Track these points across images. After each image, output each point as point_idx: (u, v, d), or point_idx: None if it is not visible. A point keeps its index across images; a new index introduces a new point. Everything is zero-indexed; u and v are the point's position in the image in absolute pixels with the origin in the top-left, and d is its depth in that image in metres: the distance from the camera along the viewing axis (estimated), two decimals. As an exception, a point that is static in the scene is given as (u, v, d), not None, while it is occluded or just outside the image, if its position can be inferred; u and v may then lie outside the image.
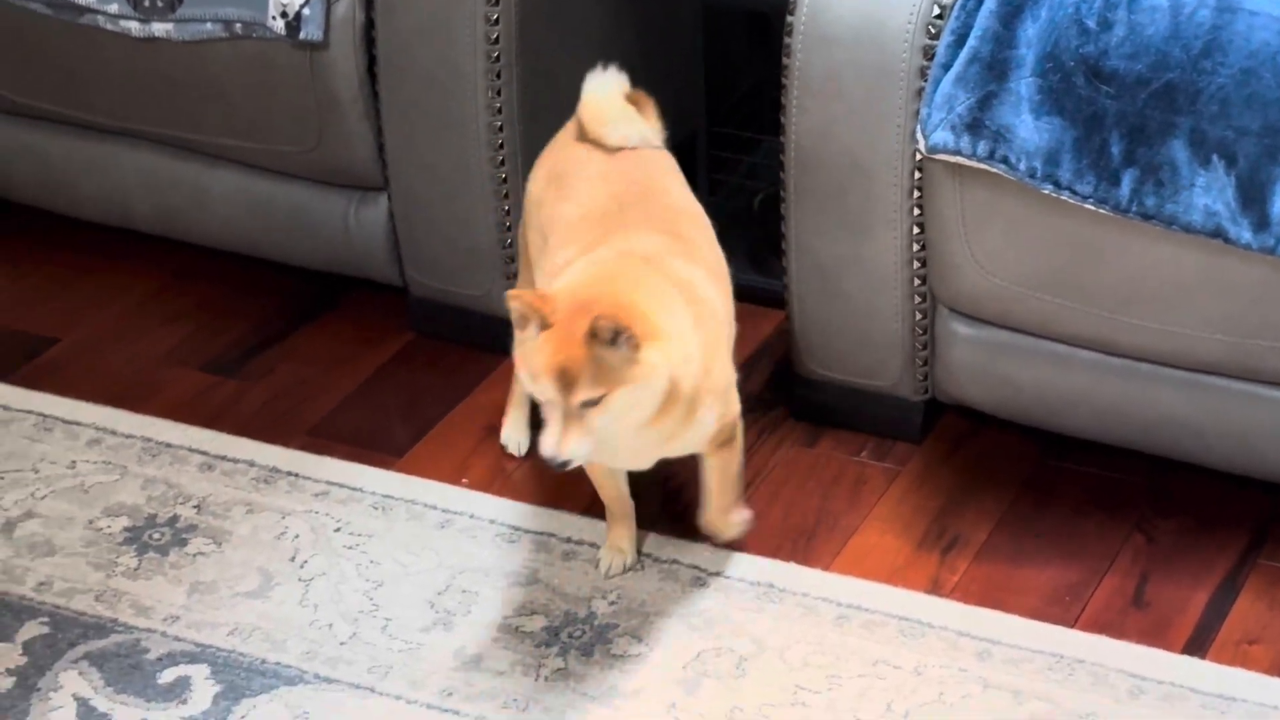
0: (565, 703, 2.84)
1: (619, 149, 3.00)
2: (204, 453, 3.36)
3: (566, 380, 2.61)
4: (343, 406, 3.50)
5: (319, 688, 2.88)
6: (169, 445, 3.38)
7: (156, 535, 3.18)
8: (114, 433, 3.41)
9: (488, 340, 3.55)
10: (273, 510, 3.23)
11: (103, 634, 2.98)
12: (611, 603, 3.00)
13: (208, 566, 3.11)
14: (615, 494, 3.03)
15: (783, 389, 3.44)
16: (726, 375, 2.89)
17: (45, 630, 2.98)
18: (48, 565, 3.11)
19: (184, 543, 3.16)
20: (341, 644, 2.95)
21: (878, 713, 2.81)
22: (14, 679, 2.90)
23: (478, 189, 3.47)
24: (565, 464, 2.65)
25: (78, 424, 3.44)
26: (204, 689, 2.88)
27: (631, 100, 3.05)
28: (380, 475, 3.29)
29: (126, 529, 3.19)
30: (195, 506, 3.24)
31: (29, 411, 3.47)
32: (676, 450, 2.89)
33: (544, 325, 2.63)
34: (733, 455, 2.96)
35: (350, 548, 3.15)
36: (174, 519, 3.21)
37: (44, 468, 3.33)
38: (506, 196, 3.46)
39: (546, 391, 2.63)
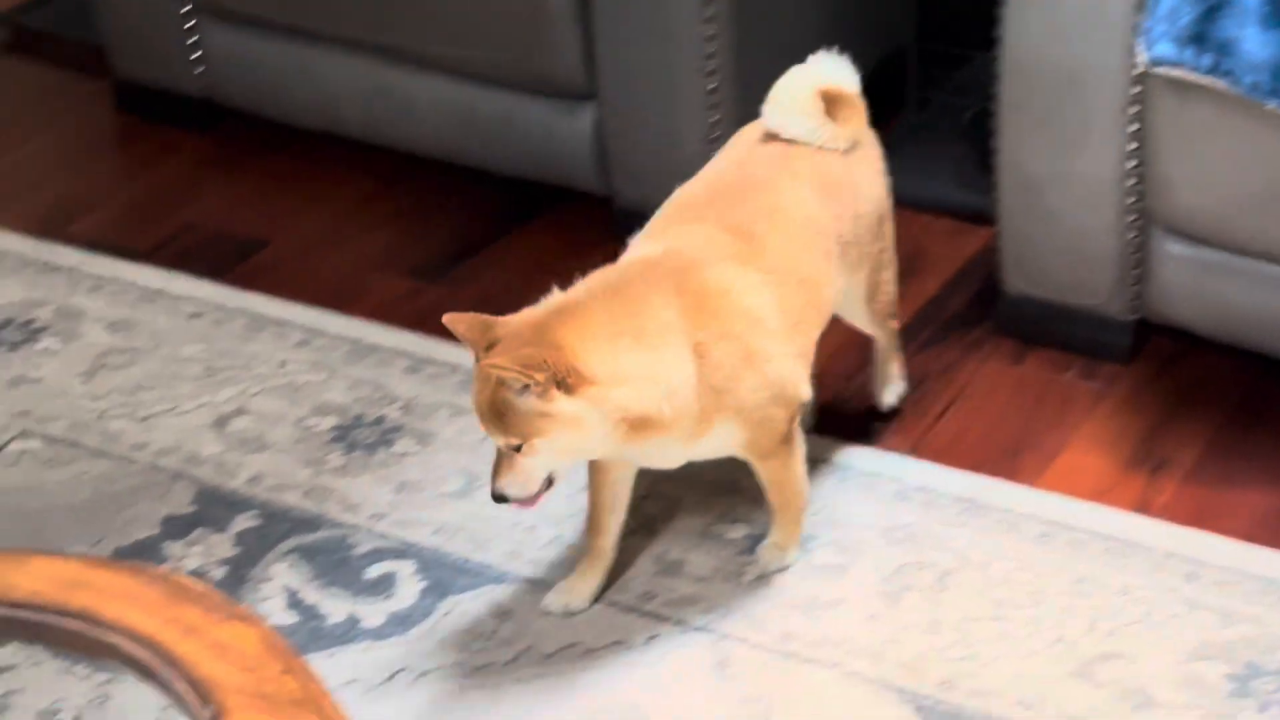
0: (765, 610, 2.85)
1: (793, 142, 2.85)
2: (410, 355, 3.40)
3: (490, 421, 2.52)
4: (547, 314, 3.52)
5: (523, 587, 2.90)
6: (376, 348, 3.42)
7: (363, 435, 3.22)
8: (322, 334, 3.46)
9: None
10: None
11: (311, 528, 3.03)
12: (813, 514, 2.99)
13: (413, 466, 3.15)
14: (599, 503, 2.82)
15: (989, 306, 3.41)
16: (758, 393, 2.65)
17: (256, 523, 3.04)
18: (259, 460, 3.17)
19: (390, 443, 3.20)
20: (544, 545, 2.98)
21: (1081, 630, 2.79)
22: (226, 568, 2.95)
23: (686, 100, 3.46)
24: (506, 500, 2.56)
25: (287, 325, 3.49)
26: (410, 584, 2.92)
27: (831, 97, 2.85)
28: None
29: (334, 428, 3.24)
30: (401, 408, 3.28)
31: (241, 311, 3.53)
32: (704, 455, 2.75)
33: (477, 357, 2.52)
34: (781, 470, 2.77)
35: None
36: (380, 419, 3.25)
37: (255, 366, 3.39)
38: (715, 108, 3.45)
39: (482, 427, 2.55)
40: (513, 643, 2.82)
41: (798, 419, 2.77)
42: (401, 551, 2.98)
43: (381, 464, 3.16)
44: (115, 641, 1.84)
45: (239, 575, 2.94)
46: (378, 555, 2.97)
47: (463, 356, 3.38)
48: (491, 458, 2.60)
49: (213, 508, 3.07)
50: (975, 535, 2.96)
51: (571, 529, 2.99)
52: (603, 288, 2.61)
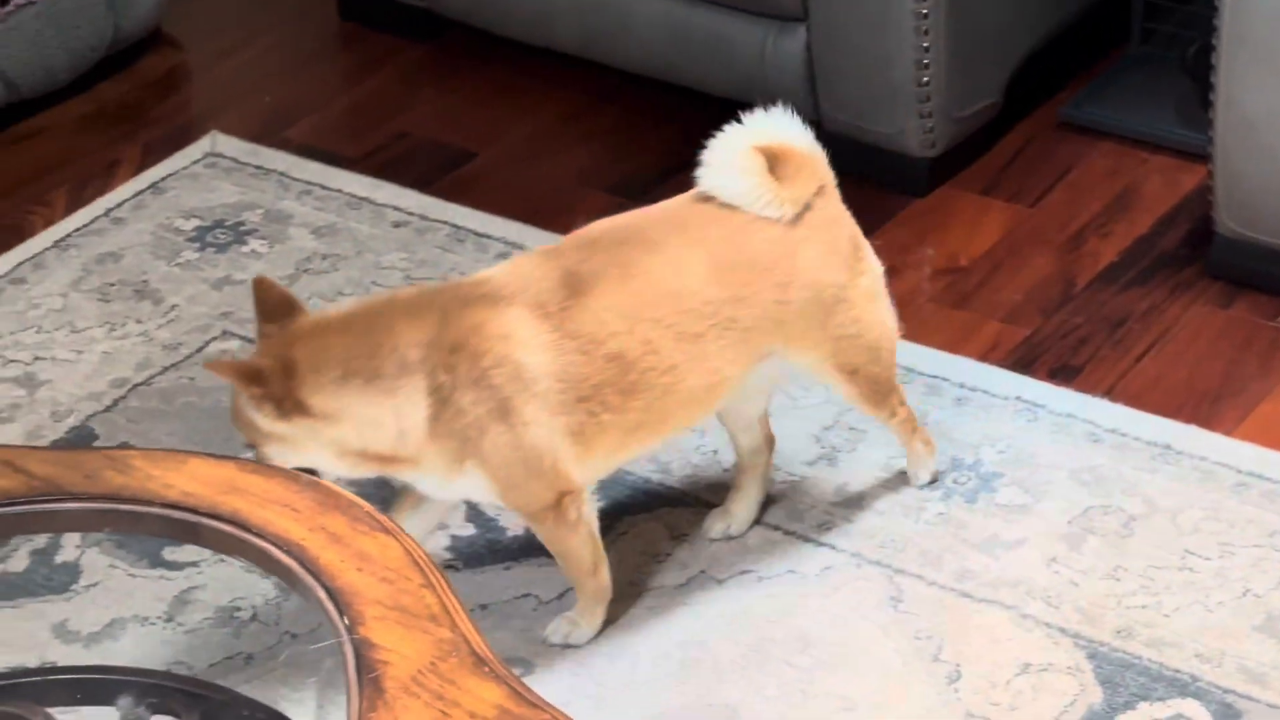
0: (943, 547, 2.81)
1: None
2: (607, 273, 3.39)
3: (231, 415, 2.59)
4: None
5: (700, 512, 2.89)
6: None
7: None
8: (521, 247, 3.46)
9: (897, 180, 3.50)
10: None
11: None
12: (1000, 451, 2.94)
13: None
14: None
15: (1201, 246, 3.31)
16: (505, 453, 2.46)
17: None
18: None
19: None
20: (726, 470, 2.96)
21: (1269, 585, 2.71)
22: (408, 477, 2.97)
23: (898, 25, 3.40)
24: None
25: (487, 237, 3.50)
26: (587, 502, 2.92)
27: (776, 156, 2.54)
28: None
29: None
30: (594, 325, 3.27)
31: (444, 222, 3.55)
32: (474, 497, 2.69)
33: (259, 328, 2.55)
34: (553, 541, 2.59)
35: (742, 376, 3.14)
36: (572, 336, 3.25)
37: (452, 277, 3.40)
38: (926, 34, 3.38)
39: None
40: (687, 566, 2.81)
41: (577, 501, 2.54)
42: (581, 469, 2.97)
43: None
44: (262, 546, 1.87)
45: (421, 484, 2.96)
46: (558, 471, 2.97)
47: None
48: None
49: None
50: (1167, 482, 2.88)
51: (753, 455, 2.97)
52: (364, 316, 2.52)
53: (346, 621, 1.77)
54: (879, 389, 2.73)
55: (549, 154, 3.77)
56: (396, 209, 3.58)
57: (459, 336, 2.44)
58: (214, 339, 3.28)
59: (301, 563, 1.84)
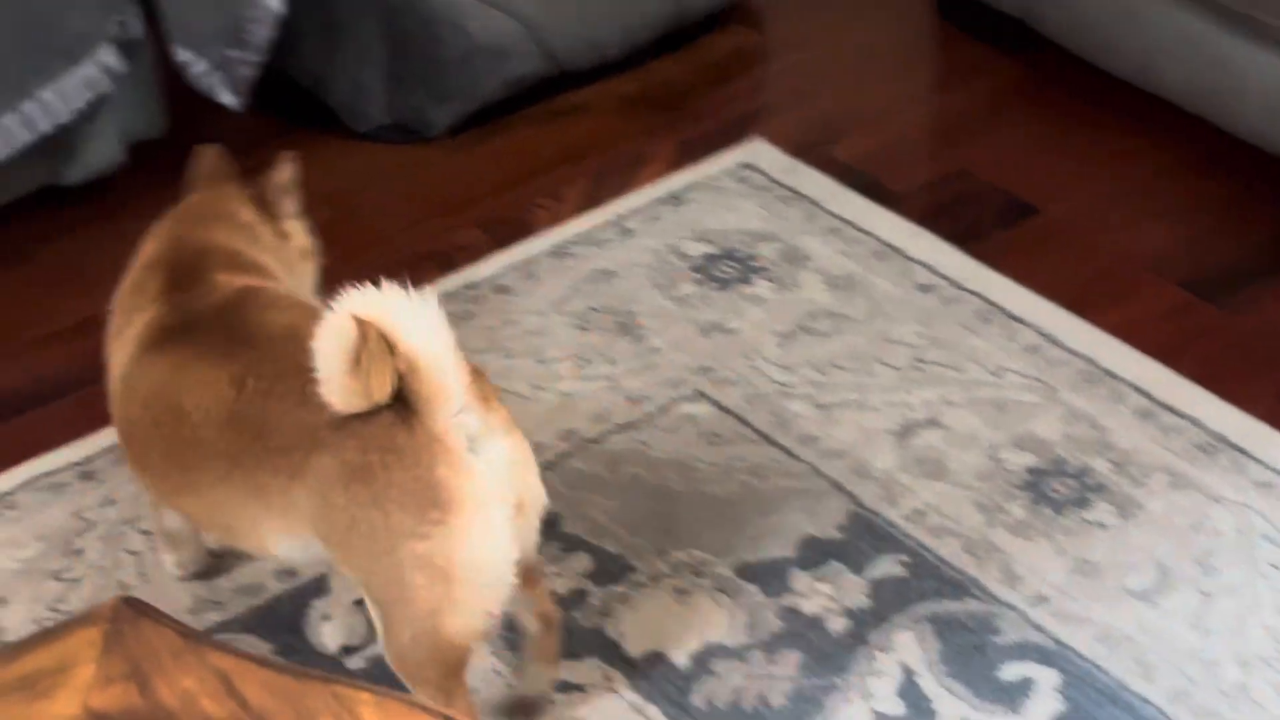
0: None
1: None
2: (1147, 394, 2.86)
3: None
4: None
5: (1175, 744, 2.38)
6: (1111, 375, 2.90)
7: (1058, 487, 2.73)
8: (1055, 342, 2.96)
9: None
10: (1200, 490, 2.70)
11: (957, 594, 2.58)
12: None
13: (1100, 542, 2.64)
14: None
15: None
16: None
17: (900, 572, 2.62)
18: (931, 490, 2.73)
19: (1085, 504, 2.70)
20: (1222, 692, 2.42)
21: None
22: (848, 622, 2.55)
23: None
24: None
25: (1019, 322, 3.01)
26: (1045, 701, 2.44)
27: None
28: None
29: (1029, 469, 2.76)
30: (1113, 462, 2.76)
31: (975, 294, 3.07)
32: None
33: None
34: None
35: (1277, 567, 2.58)
36: (1084, 471, 2.75)
37: (968, 367, 2.94)
38: None
39: None
40: (1149, 808, 2.31)
41: None
42: (1050, 655, 2.49)
43: (1066, 530, 2.66)
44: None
45: (858, 635, 2.53)
46: (1022, 651, 2.50)
47: (1210, 410, 2.82)
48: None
49: (860, 539, 2.66)
50: None
51: (1263, 680, 2.42)
52: None
53: None
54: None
55: (1123, 223, 3.24)
56: (927, 267, 3.12)
57: None
58: (683, 398, 2.91)
59: None
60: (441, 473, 2.06)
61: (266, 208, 2.52)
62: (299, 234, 2.55)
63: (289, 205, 2.55)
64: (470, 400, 2.08)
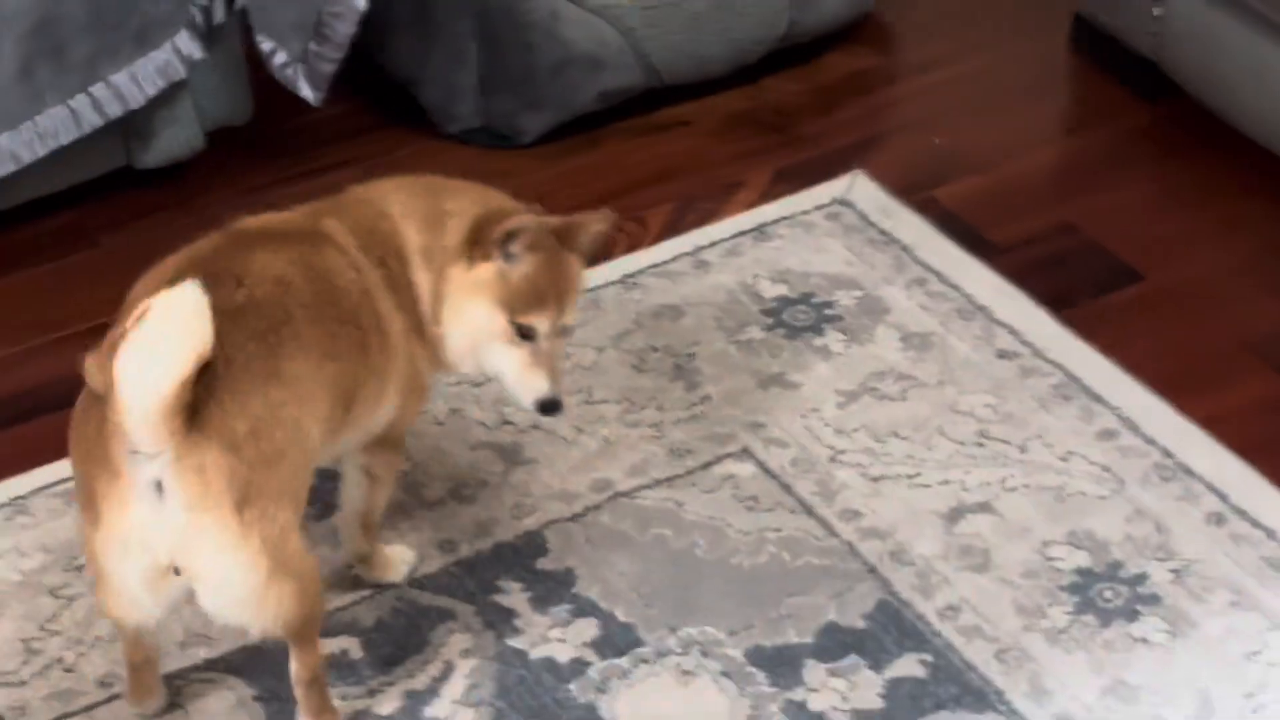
0: None
1: None
2: (1223, 496, 2.66)
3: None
4: None
5: None
6: (1187, 470, 2.70)
7: (1109, 593, 2.54)
8: (1134, 428, 2.76)
9: None
10: (1263, 613, 2.50)
11: (978, 705, 2.41)
12: None
13: (1143, 662, 2.45)
14: None
15: None
16: None
17: (920, 673, 2.45)
18: (972, 583, 2.56)
19: (1134, 616, 2.51)
20: None
21: None
22: (856, 724, 2.39)
23: None
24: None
25: (1100, 401, 2.81)
26: (1049, 838, 2.26)
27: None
28: None
29: (1079, 571, 2.57)
30: (1174, 570, 2.57)
31: (1058, 365, 2.88)
32: None
33: None
34: None
35: (1328, 708, 2.38)
36: (1139, 578, 2.56)
37: (1034, 448, 2.75)
38: None
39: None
40: None
41: None
42: (1063, 786, 2.31)
43: (1108, 644, 2.47)
44: None
45: (860, 739, 2.37)
46: (1033, 780, 2.32)
47: (1285, 521, 2.61)
48: None
49: (886, 632, 2.50)
50: None
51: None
52: None
53: None
54: None
55: (1234, 298, 3.02)
56: (1012, 331, 2.93)
57: None
58: (728, 455, 2.76)
59: None
60: (100, 484, 2.11)
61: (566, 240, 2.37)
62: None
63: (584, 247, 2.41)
64: (172, 454, 2.06)
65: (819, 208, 3.20)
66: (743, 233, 3.15)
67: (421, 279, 2.34)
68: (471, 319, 2.33)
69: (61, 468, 2.71)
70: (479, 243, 2.31)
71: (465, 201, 2.37)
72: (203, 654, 2.51)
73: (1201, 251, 3.11)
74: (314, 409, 2.19)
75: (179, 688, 2.46)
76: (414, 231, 2.34)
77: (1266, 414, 2.80)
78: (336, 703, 2.41)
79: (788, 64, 3.52)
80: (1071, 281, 3.05)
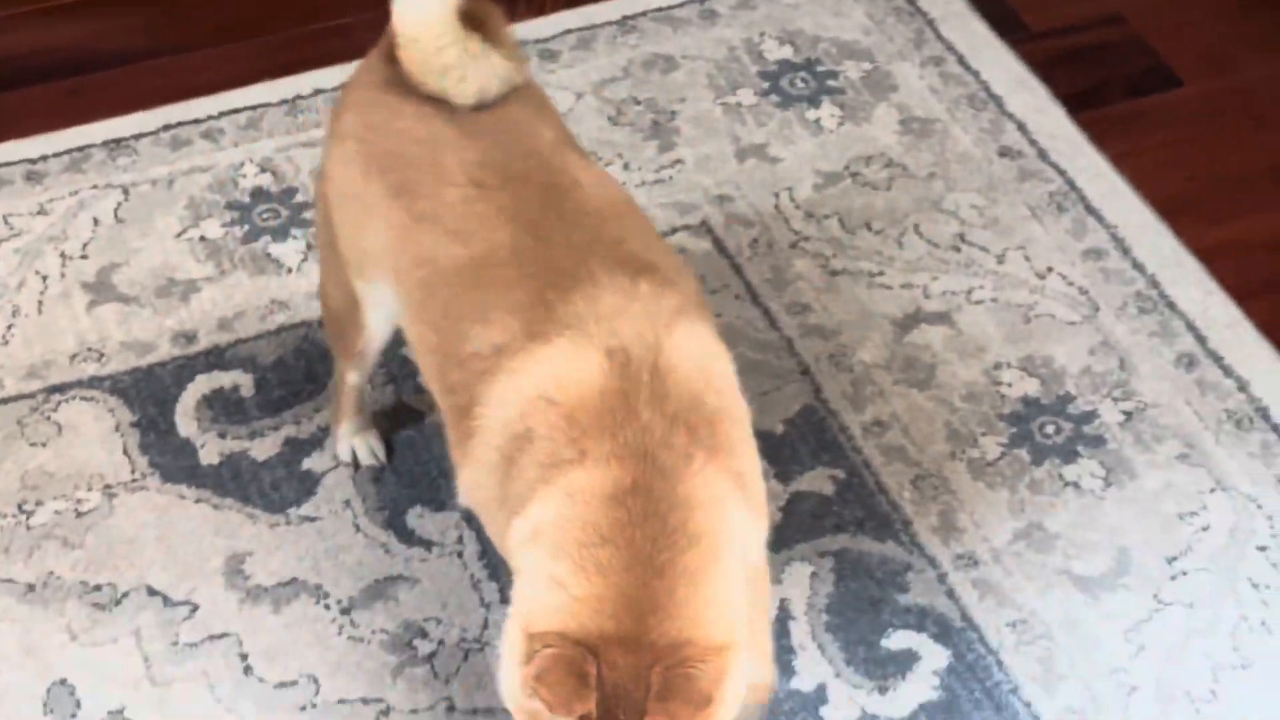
0: None
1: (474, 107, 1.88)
2: (1201, 337, 2.46)
3: None
4: None
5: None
6: (1170, 304, 2.50)
7: (1048, 428, 2.37)
8: (1126, 250, 2.57)
9: None
10: (1210, 471, 2.33)
11: (880, 533, 2.25)
12: None
13: (1068, 510, 2.29)
14: None
15: None
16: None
17: (829, 490, 2.29)
18: (903, 400, 2.39)
19: (1071, 458, 2.34)
20: (1125, 726, 2.08)
21: None
22: (747, 535, 2.24)
23: None
24: None
25: (1096, 216, 2.61)
26: (917, 686, 2.12)
27: (473, 19, 1.88)
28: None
29: (1024, 400, 2.40)
30: (1127, 412, 2.39)
31: (1061, 171, 2.67)
32: None
33: None
34: None
35: (1257, 586, 2.19)
36: (1087, 416, 2.38)
37: (1013, 262, 2.55)
38: None
39: None
40: None
41: None
42: (950, 632, 2.17)
43: (1036, 485, 2.31)
44: None
45: (749, 554, 2.22)
46: (920, 619, 2.18)
47: (1268, 377, 2.40)
48: None
49: (803, 441, 2.34)
50: None
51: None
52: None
53: None
54: None
55: (1275, 121, 2.76)
56: (1021, 127, 2.73)
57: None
58: (686, 228, 2.58)
59: None
60: None
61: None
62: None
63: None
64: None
65: (852, -36, 2.96)
66: (758, -14, 2.93)
67: None
68: None
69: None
70: None
71: None
72: (91, 370, 2.40)
73: (1254, 64, 2.85)
74: None
75: (57, 403, 2.36)
76: None
77: (1273, 254, 2.57)
78: (214, 439, 2.30)
79: None
80: (1102, 78, 2.81)
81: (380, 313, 2.05)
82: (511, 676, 1.62)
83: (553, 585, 1.61)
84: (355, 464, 2.29)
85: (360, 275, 2.00)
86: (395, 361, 2.37)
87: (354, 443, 2.28)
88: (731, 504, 1.68)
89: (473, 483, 1.80)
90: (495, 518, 1.78)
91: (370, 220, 1.92)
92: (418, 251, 1.85)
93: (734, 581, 1.64)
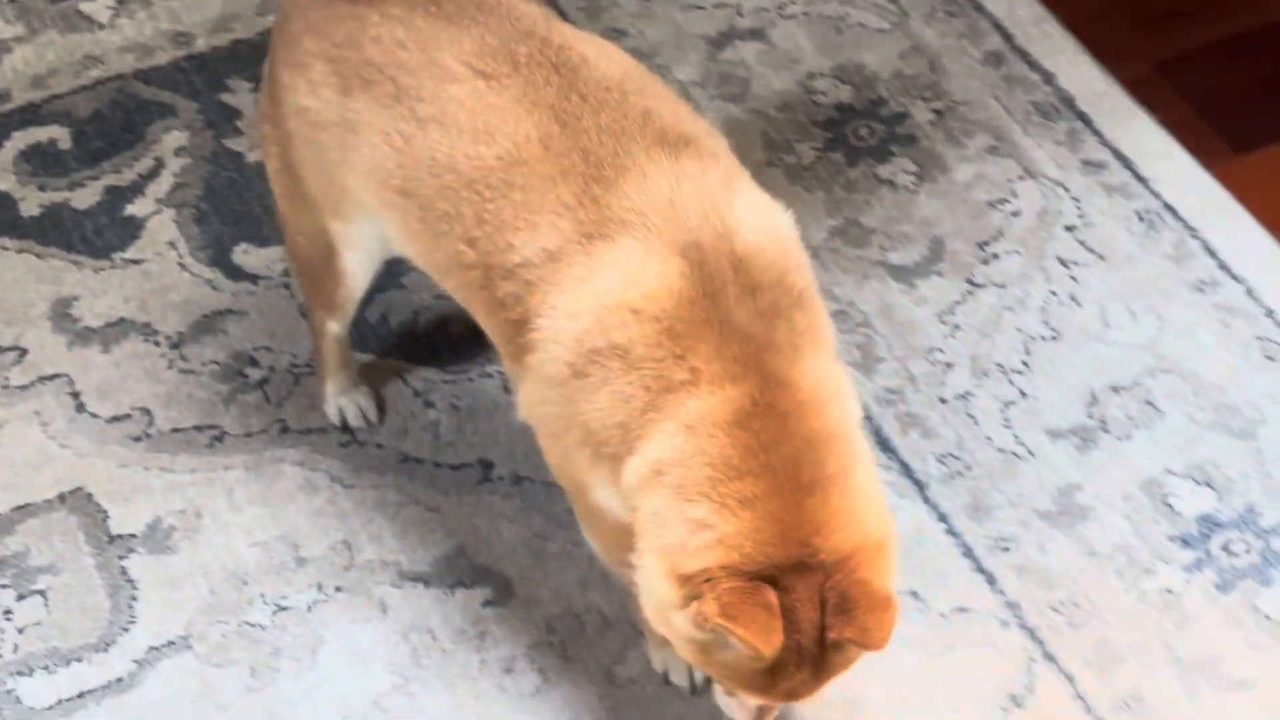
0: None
1: None
2: (1008, 36, 2.51)
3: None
4: None
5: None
6: (978, 6, 2.53)
7: (864, 132, 2.40)
8: None
9: None
10: (1019, 160, 2.38)
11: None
12: None
13: (882, 204, 2.33)
14: None
15: None
16: None
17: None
18: (720, 113, 2.42)
19: (885, 157, 2.39)
20: (940, 399, 2.14)
21: None
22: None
23: None
24: None
25: None
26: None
27: None
28: None
29: (839, 106, 2.43)
30: (937, 110, 2.43)
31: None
32: None
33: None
34: None
35: (1065, 264, 2.25)
36: (898, 117, 2.42)
37: None
38: None
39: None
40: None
41: None
42: None
43: (850, 184, 2.36)
44: None
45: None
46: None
47: (1072, 69, 2.45)
48: None
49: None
50: None
51: None
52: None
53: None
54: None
55: None
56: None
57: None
58: None
59: None
60: None
61: None
62: None
63: None
64: None
65: None
66: None
67: None
68: None
69: None
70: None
71: None
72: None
73: None
74: None
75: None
76: None
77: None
78: (34, 191, 2.30)
79: None
80: None
81: (361, 255, 1.92)
82: (663, 613, 1.58)
83: (696, 528, 1.55)
84: (345, 426, 2.12)
85: (337, 215, 1.87)
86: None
87: (341, 403, 2.12)
88: (841, 381, 1.63)
89: (537, 398, 1.70)
90: (563, 438, 1.69)
91: (359, 143, 1.77)
92: (431, 159, 1.71)
93: (871, 466, 1.60)
